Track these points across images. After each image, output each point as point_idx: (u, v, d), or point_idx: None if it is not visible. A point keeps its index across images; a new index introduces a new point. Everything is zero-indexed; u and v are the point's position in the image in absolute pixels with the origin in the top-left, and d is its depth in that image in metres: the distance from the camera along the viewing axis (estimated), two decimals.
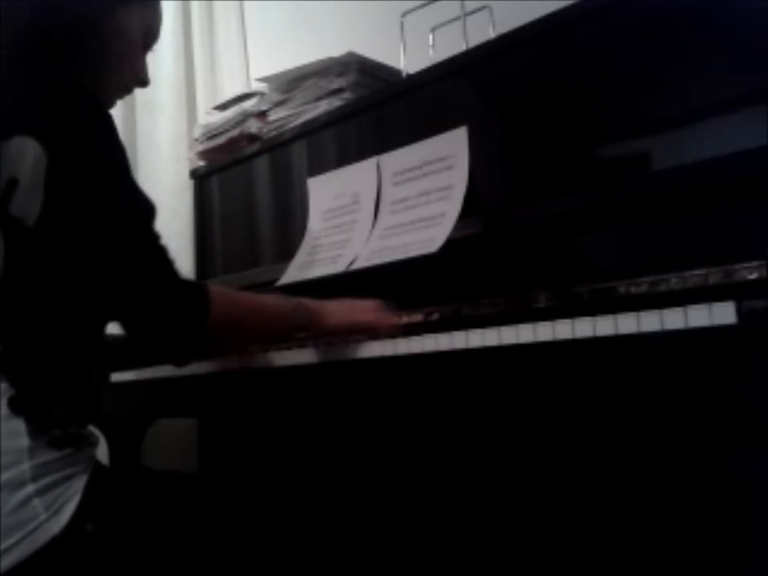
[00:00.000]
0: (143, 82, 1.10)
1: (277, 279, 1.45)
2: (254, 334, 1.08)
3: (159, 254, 0.92)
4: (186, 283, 0.94)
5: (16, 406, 0.87)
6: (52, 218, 0.86)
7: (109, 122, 0.91)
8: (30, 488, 0.84)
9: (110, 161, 0.90)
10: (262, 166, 1.78)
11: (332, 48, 1.63)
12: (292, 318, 1.04)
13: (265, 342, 1.18)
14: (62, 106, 0.90)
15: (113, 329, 1.02)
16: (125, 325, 0.94)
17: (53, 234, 0.87)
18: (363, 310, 1.09)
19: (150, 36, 1.08)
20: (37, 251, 0.88)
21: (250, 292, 1.12)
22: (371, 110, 1.50)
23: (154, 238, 0.92)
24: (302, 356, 1.12)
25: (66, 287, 0.89)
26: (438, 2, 1.52)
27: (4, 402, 0.87)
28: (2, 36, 0.96)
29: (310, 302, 1.07)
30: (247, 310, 1.03)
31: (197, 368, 1.26)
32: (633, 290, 0.88)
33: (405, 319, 1.09)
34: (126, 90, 1.09)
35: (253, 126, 1.78)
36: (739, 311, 0.68)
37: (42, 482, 0.84)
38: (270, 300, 1.07)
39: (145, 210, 0.93)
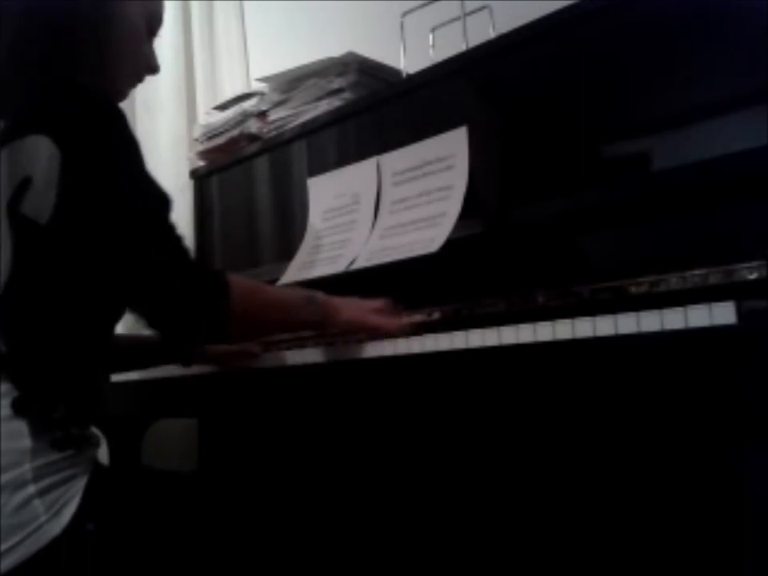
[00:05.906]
0: (153, 68, 1.10)
1: (277, 279, 1.45)
2: (271, 325, 1.08)
3: (177, 244, 0.92)
4: (206, 271, 0.94)
5: (19, 408, 0.87)
6: (66, 216, 0.86)
7: (120, 117, 0.91)
8: (31, 489, 0.84)
9: (123, 155, 0.91)
10: (262, 166, 1.78)
11: (332, 48, 1.63)
12: (307, 310, 1.03)
13: (279, 333, 1.18)
14: (74, 104, 0.90)
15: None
16: (146, 316, 0.93)
17: (67, 232, 0.87)
18: (373, 310, 1.08)
19: (153, 21, 1.08)
20: (48, 251, 0.87)
21: (266, 284, 1.12)
22: (371, 110, 1.50)
23: (171, 228, 0.92)
24: (302, 356, 1.12)
25: (75, 287, 0.89)
26: (437, 2, 1.52)
27: (7, 403, 0.87)
28: (8, 38, 0.96)
29: (323, 296, 1.06)
30: (265, 299, 1.02)
31: (197, 368, 1.26)
32: (633, 289, 0.88)
33: (406, 320, 1.09)
34: (137, 79, 1.09)
35: (253, 126, 1.78)
36: (739, 311, 0.68)
37: (43, 483, 0.84)
38: (286, 292, 1.07)
39: (160, 201, 0.93)
